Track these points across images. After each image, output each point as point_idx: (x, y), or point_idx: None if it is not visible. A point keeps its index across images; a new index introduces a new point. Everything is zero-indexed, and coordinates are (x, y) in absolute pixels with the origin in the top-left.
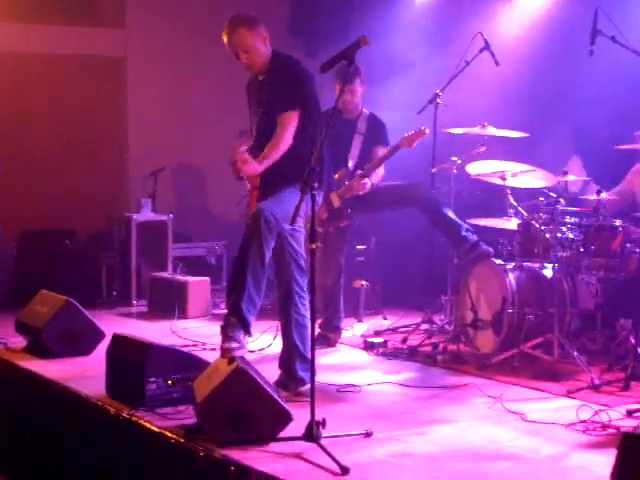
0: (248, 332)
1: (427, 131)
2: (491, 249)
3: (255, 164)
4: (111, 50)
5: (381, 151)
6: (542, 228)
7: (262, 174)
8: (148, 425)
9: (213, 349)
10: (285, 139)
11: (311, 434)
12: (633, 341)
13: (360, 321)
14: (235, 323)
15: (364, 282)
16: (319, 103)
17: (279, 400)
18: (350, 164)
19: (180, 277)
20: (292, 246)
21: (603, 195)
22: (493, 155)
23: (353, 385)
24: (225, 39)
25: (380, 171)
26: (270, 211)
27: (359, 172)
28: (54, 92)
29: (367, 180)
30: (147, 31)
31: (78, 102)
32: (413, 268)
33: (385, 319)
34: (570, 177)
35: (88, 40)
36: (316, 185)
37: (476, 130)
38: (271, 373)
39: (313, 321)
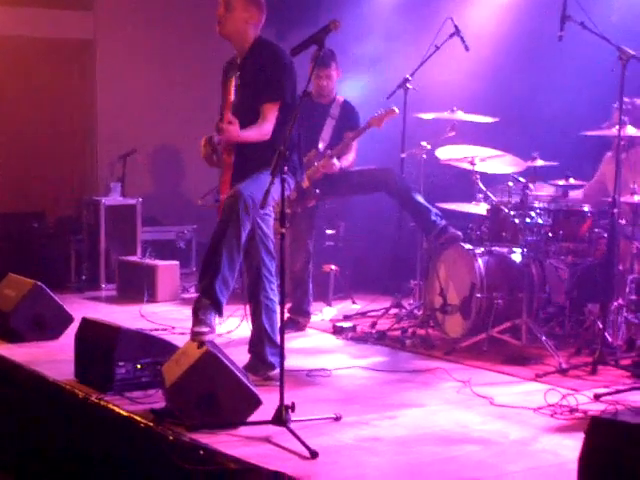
0: (220, 313)
1: (397, 110)
2: (460, 233)
3: (239, 130)
4: (80, 33)
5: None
6: (511, 213)
7: (238, 160)
8: (117, 409)
9: (182, 333)
10: (267, 130)
11: (280, 418)
12: (600, 325)
13: (329, 305)
14: (207, 305)
15: (333, 267)
16: (296, 96)
17: (248, 384)
18: (320, 146)
19: (149, 261)
20: (262, 229)
21: (572, 180)
22: (462, 140)
23: (322, 369)
24: None
25: (351, 156)
26: (249, 194)
27: (328, 152)
28: (22, 75)
29: (336, 160)
30: (116, 13)
31: (46, 85)
32: (382, 253)
33: (354, 303)
34: (539, 162)
35: (56, 22)
36: (286, 169)
37: (445, 115)
38: (240, 357)
39: (282, 305)
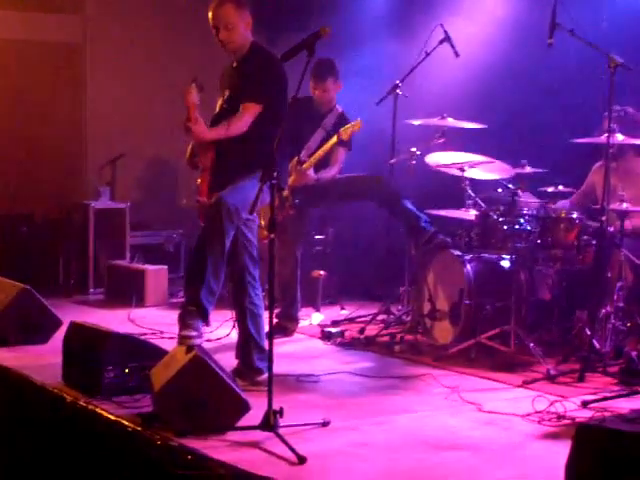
0: (206, 321)
1: (360, 122)
2: (449, 239)
3: (205, 128)
4: (69, 36)
5: (341, 152)
6: (500, 219)
7: (218, 162)
8: (105, 413)
9: (171, 337)
10: (238, 126)
11: (268, 423)
12: (588, 332)
13: (318, 311)
14: (194, 312)
15: (322, 272)
16: (286, 104)
17: (237, 389)
18: (303, 154)
19: (138, 265)
20: (246, 236)
21: (561, 187)
22: (452, 146)
23: (311, 375)
24: (210, 13)
25: (333, 169)
26: (232, 202)
27: (301, 156)
28: (11, 78)
29: (311, 172)
30: (105, 17)
31: (36, 88)
32: (371, 258)
33: (343, 309)
34: (528, 169)
35: (46, 26)
36: (276, 174)
37: (435, 121)
38: (229, 362)
39: (271, 310)
